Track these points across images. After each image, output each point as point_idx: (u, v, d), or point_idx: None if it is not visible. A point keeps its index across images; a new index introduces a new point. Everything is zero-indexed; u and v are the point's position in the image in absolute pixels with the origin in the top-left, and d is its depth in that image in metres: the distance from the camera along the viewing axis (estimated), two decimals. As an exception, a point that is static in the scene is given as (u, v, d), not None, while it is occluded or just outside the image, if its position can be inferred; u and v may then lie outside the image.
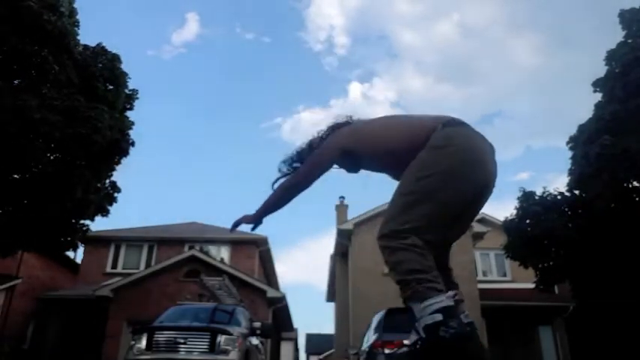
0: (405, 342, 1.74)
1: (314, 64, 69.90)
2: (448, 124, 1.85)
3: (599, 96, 13.14)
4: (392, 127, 2.01)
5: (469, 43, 59.78)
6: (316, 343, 38.86)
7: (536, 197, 13.47)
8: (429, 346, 1.63)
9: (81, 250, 17.62)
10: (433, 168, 1.76)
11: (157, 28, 63.41)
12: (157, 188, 74.49)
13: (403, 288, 1.68)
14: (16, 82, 10.64)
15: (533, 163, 75.55)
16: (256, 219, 2.12)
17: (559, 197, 13.22)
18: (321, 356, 36.48)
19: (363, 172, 2.25)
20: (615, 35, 13.11)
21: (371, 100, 75.37)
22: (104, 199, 12.44)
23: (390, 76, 70.76)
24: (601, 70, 13.15)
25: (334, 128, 2.22)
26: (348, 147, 2.04)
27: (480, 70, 63.61)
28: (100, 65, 11.88)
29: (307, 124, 77.25)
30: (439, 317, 1.59)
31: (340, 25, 66.43)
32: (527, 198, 13.52)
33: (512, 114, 67.26)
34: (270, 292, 15.95)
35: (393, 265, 1.71)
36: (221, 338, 7.06)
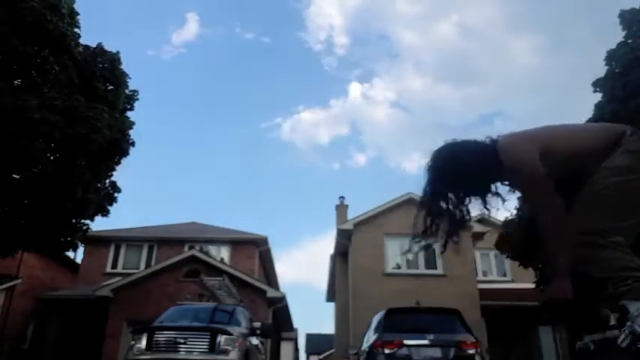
0: (619, 341, 1.70)
1: (314, 64, 69.94)
2: (635, 132, 1.89)
3: (599, 96, 13.13)
4: (579, 130, 2.03)
5: (468, 43, 59.81)
6: (316, 343, 38.86)
7: (536, 197, 13.46)
8: None
9: (81, 250, 17.64)
10: (635, 172, 1.79)
11: (156, 28, 63.45)
12: (157, 188, 74.52)
13: (616, 285, 1.67)
14: (16, 82, 10.64)
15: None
16: (567, 278, 1.81)
17: (559, 197, 13.21)
18: (321, 356, 36.49)
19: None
20: (614, 36, 13.12)
21: (371, 100, 75.38)
22: (104, 198, 12.44)
23: (390, 76, 70.78)
24: (600, 70, 13.16)
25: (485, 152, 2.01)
26: (545, 146, 1.91)
27: (480, 71, 63.63)
28: (100, 65, 11.89)
29: (307, 124, 77.24)
30: None
31: (340, 25, 66.46)
32: (527, 198, 13.50)
33: (511, 114, 67.33)
34: (270, 292, 15.95)
35: (597, 261, 1.71)
36: (221, 338, 7.06)
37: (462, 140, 2.11)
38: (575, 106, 64.81)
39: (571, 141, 1.94)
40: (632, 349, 1.65)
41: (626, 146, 1.82)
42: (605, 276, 1.69)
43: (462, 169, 2.02)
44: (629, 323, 1.66)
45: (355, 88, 77.47)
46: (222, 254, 18.64)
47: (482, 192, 2.13)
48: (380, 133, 75.44)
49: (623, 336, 1.69)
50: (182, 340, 7.07)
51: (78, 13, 11.64)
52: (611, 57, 12.87)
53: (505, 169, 1.94)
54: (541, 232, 1.87)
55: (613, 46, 12.91)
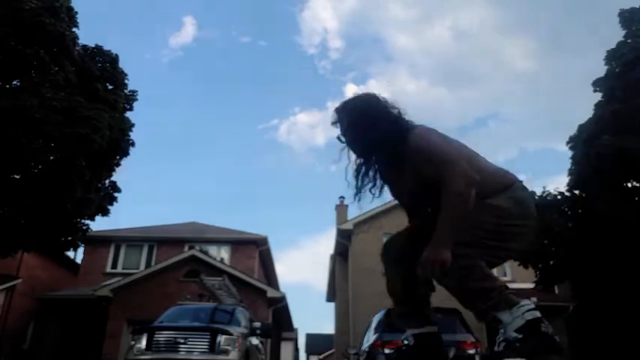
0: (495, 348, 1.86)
1: (309, 66, 69.97)
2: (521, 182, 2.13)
3: (599, 96, 13.14)
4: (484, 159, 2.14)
5: (463, 46, 59.86)
6: (316, 343, 38.83)
7: (536, 197, 13.46)
8: (533, 342, 1.73)
9: (81, 250, 17.64)
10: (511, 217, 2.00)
11: (154, 32, 63.49)
12: (157, 188, 74.54)
13: (486, 299, 1.82)
14: (15, 82, 10.64)
15: (528, 165, 75.81)
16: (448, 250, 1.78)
17: (559, 197, 13.21)
18: (321, 356, 36.49)
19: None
20: (612, 38, 13.13)
21: (369, 101, 75.28)
22: (104, 199, 12.44)
23: (385, 79, 70.86)
24: (597, 72, 13.17)
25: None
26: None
27: (475, 73, 63.54)
28: (100, 65, 11.89)
29: (303, 125, 77.27)
30: (538, 314, 1.76)
31: (334, 29, 66.52)
32: (527, 198, 13.50)
33: (506, 116, 67.19)
34: (270, 292, 15.95)
35: (470, 270, 1.82)
36: (221, 338, 7.06)
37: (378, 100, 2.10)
38: (570, 107, 64.77)
39: (482, 162, 2.03)
40: (511, 348, 1.79)
41: (512, 193, 1.95)
42: (475, 287, 1.79)
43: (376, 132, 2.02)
44: (502, 331, 1.80)
45: (351, 90, 77.61)
46: (222, 254, 18.64)
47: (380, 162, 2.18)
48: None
49: (498, 343, 1.84)
50: (182, 340, 7.07)
51: (76, 11, 11.63)
52: (611, 57, 12.87)
53: (421, 157, 1.90)
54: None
55: (610, 48, 12.92)
